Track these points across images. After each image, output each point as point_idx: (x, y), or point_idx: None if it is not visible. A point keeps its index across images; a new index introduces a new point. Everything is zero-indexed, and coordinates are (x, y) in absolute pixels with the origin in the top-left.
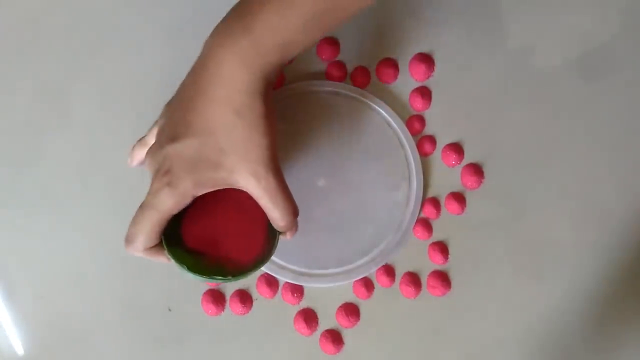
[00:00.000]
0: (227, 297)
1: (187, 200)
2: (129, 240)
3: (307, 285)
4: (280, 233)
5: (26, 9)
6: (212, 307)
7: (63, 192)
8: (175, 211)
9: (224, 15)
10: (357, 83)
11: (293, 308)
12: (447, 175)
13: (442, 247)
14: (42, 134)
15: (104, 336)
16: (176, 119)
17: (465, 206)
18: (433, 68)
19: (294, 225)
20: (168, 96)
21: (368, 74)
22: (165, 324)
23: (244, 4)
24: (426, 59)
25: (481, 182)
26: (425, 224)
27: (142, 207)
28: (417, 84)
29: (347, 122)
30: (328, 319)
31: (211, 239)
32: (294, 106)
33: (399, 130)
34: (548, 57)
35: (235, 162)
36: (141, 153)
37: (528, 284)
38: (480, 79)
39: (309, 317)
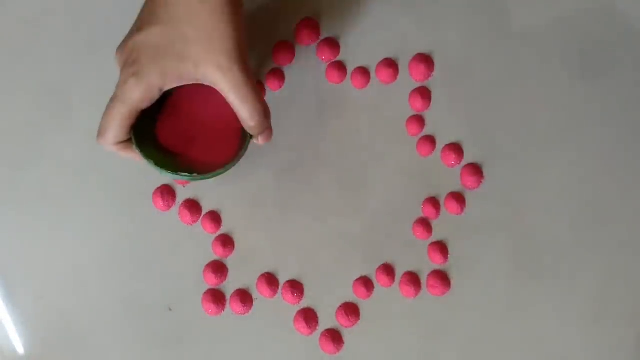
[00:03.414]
0: (228, 297)
1: (155, 93)
2: (100, 133)
3: None
4: (251, 137)
5: (26, 9)
6: (212, 307)
7: (63, 192)
8: (143, 104)
9: None
10: (357, 83)
11: (293, 308)
12: (447, 176)
13: (441, 247)
14: (42, 134)
15: (104, 336)
16: (143, 13)
17: (464, 206)
18: (433, 68)
19: (265, 127)
20: None
21: (368, 74)
22: (166, 324)
23: None
24: (426, 59)
25: (480, 182)
26: (425, 224)
27: (111, 100)
28: (416, 84)
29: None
30: (328, 319)
31: (184, 139)
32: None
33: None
34: (548, 56)
35: (199, 53)
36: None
37: (527, 284)
38: (480, 79)
39: (309, 316)
